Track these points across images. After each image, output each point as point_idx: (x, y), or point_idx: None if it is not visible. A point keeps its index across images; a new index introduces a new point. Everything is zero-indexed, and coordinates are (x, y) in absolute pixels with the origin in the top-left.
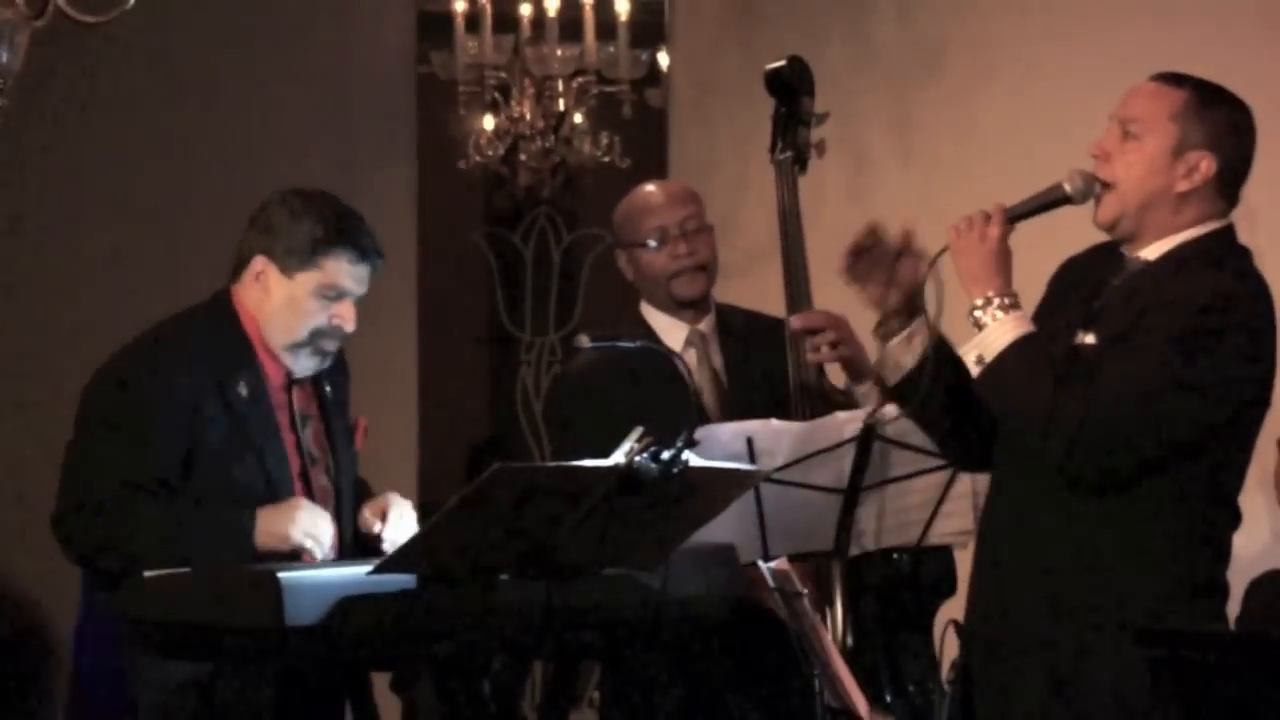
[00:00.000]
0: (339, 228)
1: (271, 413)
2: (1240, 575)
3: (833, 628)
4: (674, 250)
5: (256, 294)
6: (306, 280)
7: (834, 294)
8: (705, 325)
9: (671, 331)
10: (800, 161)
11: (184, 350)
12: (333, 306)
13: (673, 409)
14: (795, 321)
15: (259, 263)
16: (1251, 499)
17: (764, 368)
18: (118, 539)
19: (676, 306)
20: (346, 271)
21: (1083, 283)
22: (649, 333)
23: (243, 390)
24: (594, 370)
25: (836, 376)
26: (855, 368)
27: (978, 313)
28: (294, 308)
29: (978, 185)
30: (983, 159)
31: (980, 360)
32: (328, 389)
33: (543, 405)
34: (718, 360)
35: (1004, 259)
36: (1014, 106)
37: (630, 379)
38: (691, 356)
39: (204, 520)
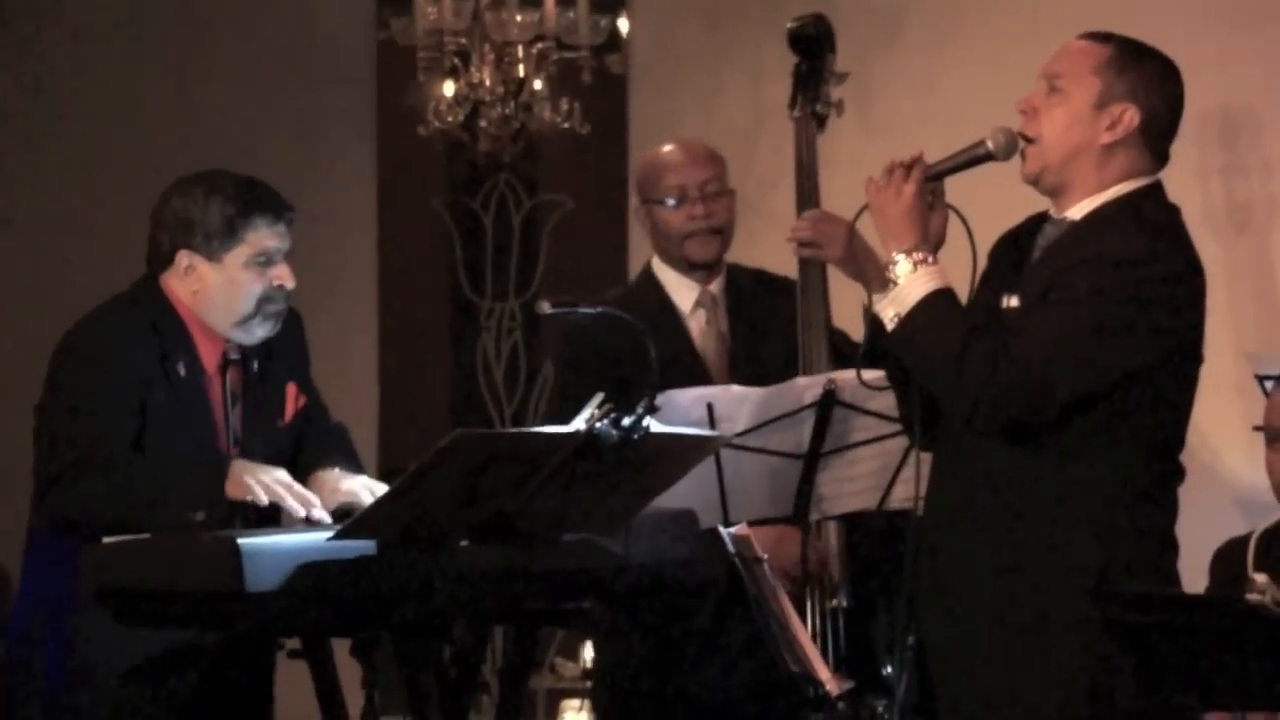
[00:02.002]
0: (247, 197)
1: (207, 394)
2: (1204, 545)
3: (830, 591)
4: (691, 211)
5: (191, 286)
6: (235, 257)
7: None
8: (715, 287)
9: (681, 291)
10: (819, 119)
11: (133, 328)
12: (268, 271)
13: (682, 373)
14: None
15: (184, 257)
16: (1213, 466)
17: (774, 326)
18: (102, 499)
19: (689, 267)
20: (268, 235)
21: (1014, 251)
22: (658, 290)
23: (182, 370)
24: (601, 326)
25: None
26: (855, 275)
27: (893, 267)
28: (233, 287)
29: (937, 148)
30: (942, 122)
31: (896, 316)
32: (255, 366)
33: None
34: (724, 322)
35: (919, 215)
36: (974, 69)
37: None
38: (700, 317)
39: (178, 470)
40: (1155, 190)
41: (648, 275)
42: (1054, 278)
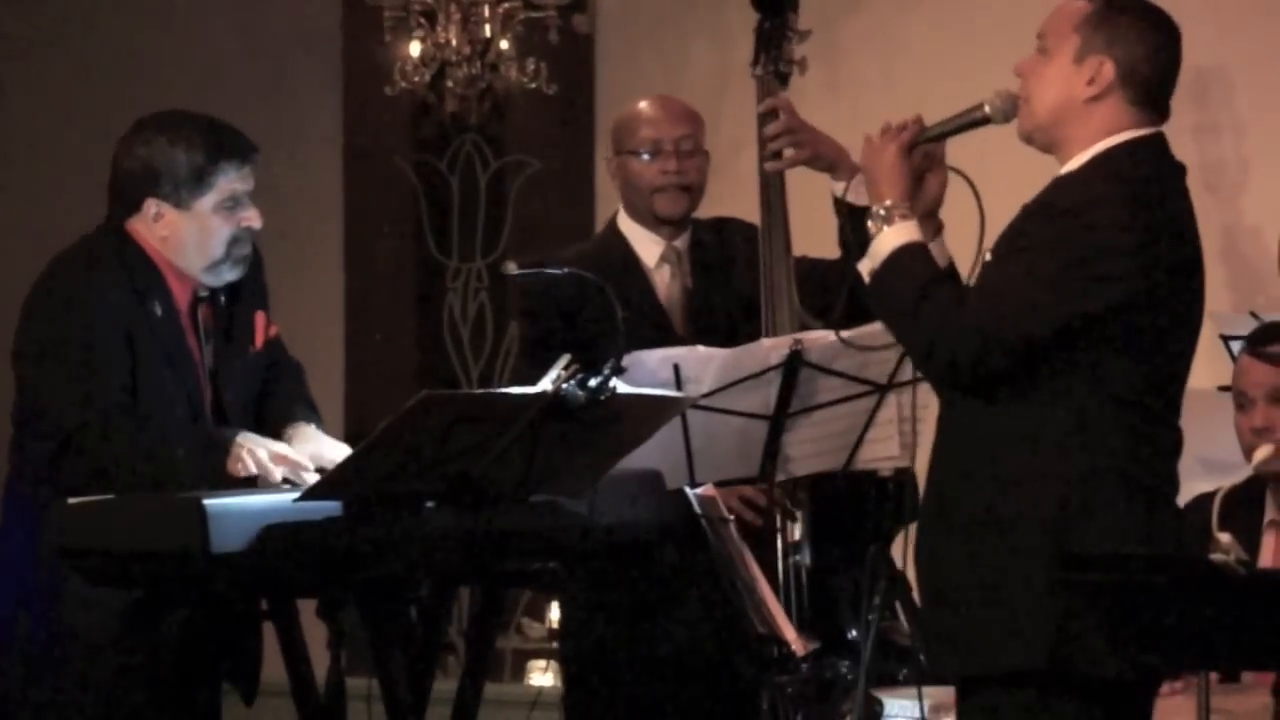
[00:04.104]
0: (214, 144)
1: (182, 332)
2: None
3: (793, 550)
4: (664, 166)
5: (160, 232)
6: (204, 204)
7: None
8: (681, 243)
9: (647, 245)
10: (781, 77)
11: (109, 273)
12: (237, 214)
13: (648, 328)
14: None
15: (151, 205)
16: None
17: (737, 273)
18: (112, 459)
19: (655, 221)
20: (236, 179)
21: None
22: (623, 244)
23: (158, 311)
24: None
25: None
26: (827, 163)
27: (871, 223)
28: (203, 233)
29: (905, 112)
30: (910, 86)
31: (870, 271)
32: (223, 300)
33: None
34: (689, 277)
35: (900, 174)
36: (940, 33)
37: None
38: (665, 272)
39: (184, 441)
40: (1142, 144)
41: (612, 229)
42: (1018, 229)
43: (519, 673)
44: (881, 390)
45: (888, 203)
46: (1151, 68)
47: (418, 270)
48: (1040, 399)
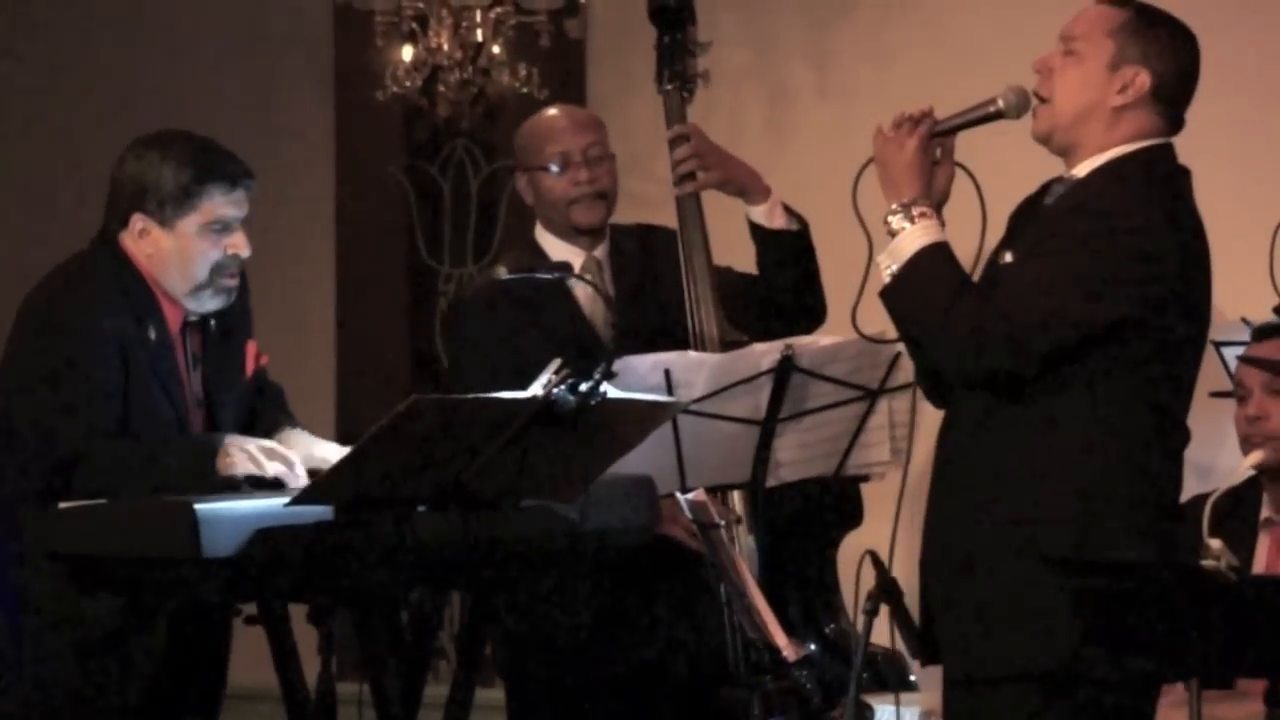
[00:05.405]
0: (203, 164)
1: (174, 358)
2: None
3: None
4: (575, 176)
5: (146, 249)
6: (189, 225)
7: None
8: (600, 252)
9: (566, 257)
10: (687, 91)
11: (106, 292)
12: (223, 239)
13: (571, 341)
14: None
15: (138, 221)
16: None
17: (660, 279)
18: (109, 484)
19: (573, 233)
20: (223, 203)
21: (1028, 213)
22: (542, 257)
23: (152, 334)
24: (490, 297)
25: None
26: (739, 188)
27: (891, 219)
28: (185, 254)
29: (892, 116)
30: (900, 91)
31: (891, 269)
32: (212, 325)
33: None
34: (610, 287)
35: (921, 169)
36: (931, 38)
37: (527, 308)
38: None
39: (175, 451)
40: (1160, 150)
41: (531, 244)
42: (1043, 232)
43: None
44: (873, 395)
45: (906, 199)
46: (1181, 82)
47: (409, 275)
48: (1064, 398)
